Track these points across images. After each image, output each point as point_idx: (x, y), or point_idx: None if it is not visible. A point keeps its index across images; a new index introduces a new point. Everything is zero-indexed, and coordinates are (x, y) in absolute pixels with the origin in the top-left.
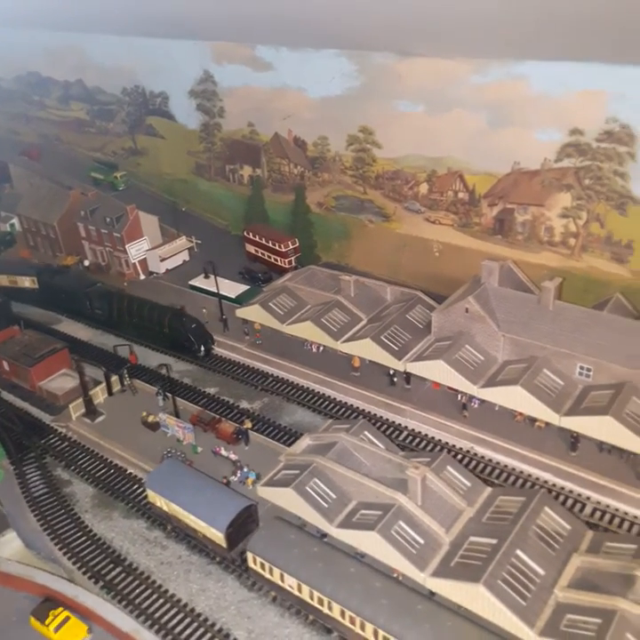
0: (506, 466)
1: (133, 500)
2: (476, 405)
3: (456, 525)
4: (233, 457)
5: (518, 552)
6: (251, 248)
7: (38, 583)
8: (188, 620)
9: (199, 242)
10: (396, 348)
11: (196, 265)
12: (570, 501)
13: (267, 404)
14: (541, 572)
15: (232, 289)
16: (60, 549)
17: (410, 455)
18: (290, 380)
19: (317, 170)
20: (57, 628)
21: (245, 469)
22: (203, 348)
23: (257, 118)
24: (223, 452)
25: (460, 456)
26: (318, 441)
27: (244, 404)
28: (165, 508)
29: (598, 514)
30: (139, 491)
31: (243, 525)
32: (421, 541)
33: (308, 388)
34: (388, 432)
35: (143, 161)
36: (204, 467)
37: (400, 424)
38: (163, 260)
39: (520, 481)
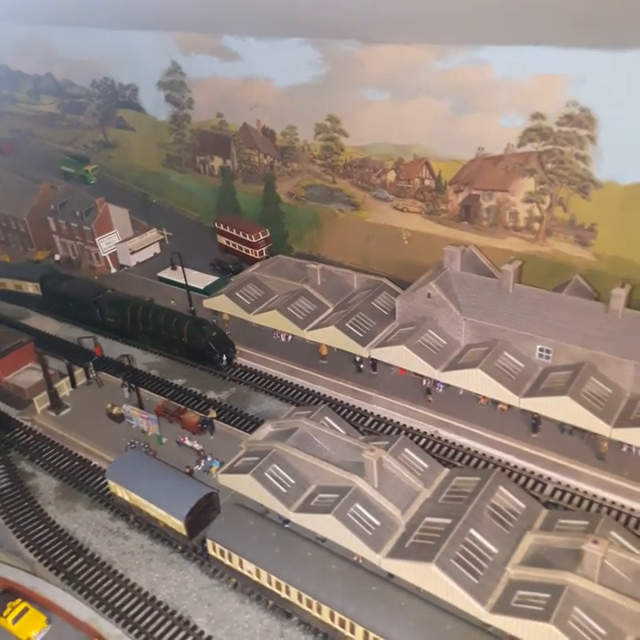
0: (469, 448)
1: (97, 491)
2: (440, 390)
3: (412, 506)
4: (197, 446)
5: (472, 531)
6: (222, 239)
7: None
8: (148, 609)
9: (170, 234)
10: (361, 335)
11: (167, 257)
12: (531, 482)
13: (234, 393)
14: (494, 550)
15: (201, 280)
16: (23, 542)
17: (370, 439)
18: (258, 370)
19: (287, 159)
20: (15, 620)
21: (209, 458)
22: (225, 358)
23: (226, 109)
24: (187, 442)
25: (424, 440)
26: (279, 428)
27: (212, 395)
28: (127, 498)
29: (559, 493)
30: (102, 482)
31: (203, 513)
32: (377, 523)
33: (275, 376)
34: (354, 418)
35: (114, 154)
36: (169, 457)
37: (366, 410)
38: (133, 252)
39: (482, 463)
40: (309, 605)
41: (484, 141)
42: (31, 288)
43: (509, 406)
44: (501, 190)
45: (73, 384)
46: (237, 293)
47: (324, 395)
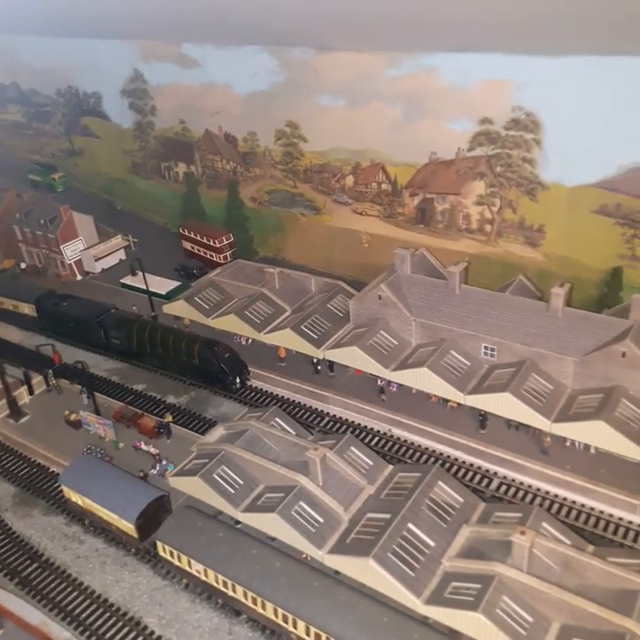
0: (420, 446)
1: (54, 497)
2: (394, 389)
3: (355, 503)
4: (153, 451)
5: (410, 525)
6: (187, 245)
7: None
8: (100, 611)
9: (136, 240)
10: (316, 337)
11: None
12: (478, 477)
13: (193, 397)
14: (431, 543)
15: (163, 286)
16: None
17: (318, 438)
18: None
19: (249, 165)
20: None
21: (164, 462)
22: (238, 380)
23: (188, 115)
24: (143, 447)
25: (377, 438)
26: (231, 430)
27: (171, 399)
28: (80, 502)
29: (504, 488)
30: (59, 488)
31: (154, 516)
32: (321, 520)
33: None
34: (310, 419)
35: (81, 161)
36: (125, 462)
37: (322, 410)
38: (97, 259)
39: (432, 459)
40: (254, 602)
41: (437, 146)
42: (27, 309)
43: (459, 404)
44: (454, 193)
45: (30, 391)
46: (196, 298)
47: (283, 396)
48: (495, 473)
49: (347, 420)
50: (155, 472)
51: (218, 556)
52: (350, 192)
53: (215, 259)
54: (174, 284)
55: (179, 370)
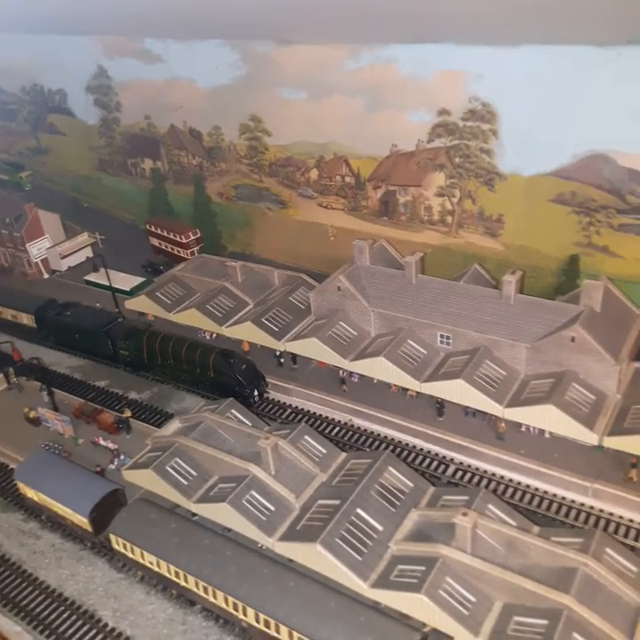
0: (379, 434)
1: (11, 493)
2: (356, 380)
3: (307, 490)
4: (111, 446)
5: (358, 510)
6: (154, 241)
7: None
8: (54, 605)
9: (103, 237)
10: (277, 330)
11: (98, 260)
12: (435, 463)
13: (156, 393)
14: (380, 527)
15: (128, 282)
16: None
17: (273, 429)
18: None
19: (215, 160)
20: None
21: (122, 457)
22: (256, 392)
23: (152, 111)
24: (102, 442)
25: (337, 428)
26: (186, 422)
27: (134, 395)
28: (36, 498)
29: (460, 473)
30: (15, 485)
31: (110, 510)
32: (272, 508)
33: None
34: (273, 411)
35: (48, 159)
36: (84, 457)
37: (285, 402)
38: (63, 257)
39: (391, 447)
40: (206, 592)
41: (397, 138)
42: (25, 319)
43: (418, 393)
44: (415, 185)
45: None
46: (158, 293)
47: None
48: (452, 459)
49: (308, 411)
50: (113, 467)
51: (170, 546)
52: (315, 185)
53: (182, 254)
54: (139, 280)
55: (192, 382)
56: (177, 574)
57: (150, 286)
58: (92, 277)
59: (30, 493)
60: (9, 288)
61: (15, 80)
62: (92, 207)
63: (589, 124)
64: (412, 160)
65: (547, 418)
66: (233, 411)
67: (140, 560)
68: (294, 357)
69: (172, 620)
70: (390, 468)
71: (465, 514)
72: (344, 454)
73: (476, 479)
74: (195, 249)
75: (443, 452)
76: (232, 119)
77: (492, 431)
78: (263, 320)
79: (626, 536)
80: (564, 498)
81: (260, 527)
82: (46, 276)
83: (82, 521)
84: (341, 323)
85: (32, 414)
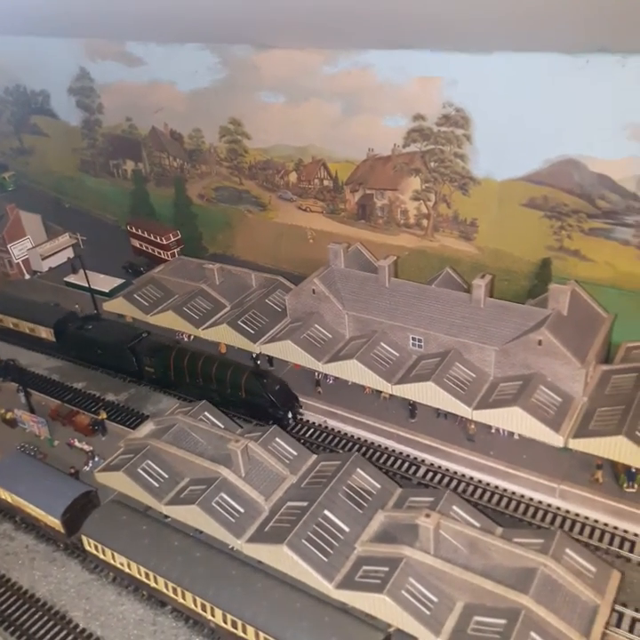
0: (353, 436)
1: None
2: (331, 382)
3: (277, 492)
4: (86, 448)
5: (326, 512)
6: (135, 242)
7: None
8: (25, 606)
9: (84, 238)
10: (253, 332)
11: (78, 262)
12: (406, 464)
13: (133, 394)
14: (346, 529)
15: (107, 283)
16: None
17: (245, 431)
18: None
19: (195, 162)
20: None
21: (97, 459)
22: (290, 415)
23: (134, 113)
24: (77, 444)
25: (312, 430)
26: (159, 425)
27: (111, 397)
28: (9, 499)
29: (430, 474)
30: None
31: (82, 511)
32: (242, 510)
33: None
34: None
35: (31, 160)
36: (59, 459)
37: None
38: (44, 258)
39: (364, 449)
40: (175, 593)
41: (374, 142)
42: (44, 333)
43: (391, 395)
44: (392, 189)
45: None
46: (136, 295)
47: None
48: (423, 460)
49: None
50: (87, 469)
51: (140, 548)
52: (294, 188)
53: (163, 256)
54: (118, 281)
55: (223, 403)
56: (147, 575)
57: (128, 288)
58: (71, 279)
59: (4, 495)
60: (27, 300)
61: None
62: (74, 208)
63: (560, 129)
64: (389, 164)
65: (513, 420)
66: (206, 413)
67: (112, 561)
68: (271, 360)
69: (143, 620)
70: (358, 470)
71: (428, 515)
72: (314, 456)
73: (445, 480)
74: (175, 250)
75: (414, 453)
76: (212, 122)
77: (462, 433)
78: (239, 322)
79: (591, 537)
80: (531, 499)
81: (228, 529)
82: (28, 276)
83: (54, 522)
84: (316, 325)
85: (8, 416)
